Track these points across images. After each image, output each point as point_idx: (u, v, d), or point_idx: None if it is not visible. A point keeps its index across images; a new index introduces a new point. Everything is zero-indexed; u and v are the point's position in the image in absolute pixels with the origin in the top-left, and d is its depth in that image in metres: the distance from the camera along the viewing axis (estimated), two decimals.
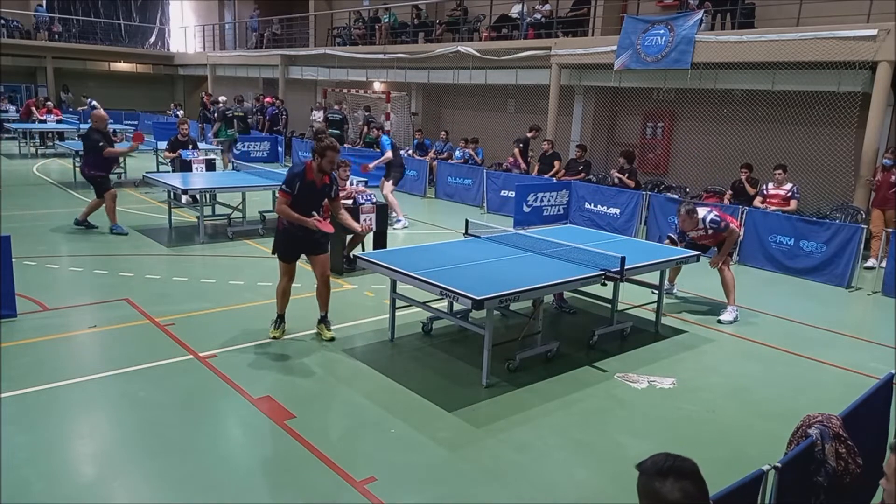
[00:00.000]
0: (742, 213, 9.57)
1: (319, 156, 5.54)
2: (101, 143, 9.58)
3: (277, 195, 5.52)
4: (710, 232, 7.13)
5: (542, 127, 14.40)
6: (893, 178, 9.60)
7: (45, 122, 19.47)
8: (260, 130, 20.60)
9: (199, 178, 10.88)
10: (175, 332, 6.00)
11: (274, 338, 5.94)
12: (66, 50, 27.11)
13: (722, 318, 7.05)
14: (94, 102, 22.62)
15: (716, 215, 7.15)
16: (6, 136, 20.50)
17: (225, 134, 17.33)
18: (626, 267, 5.56)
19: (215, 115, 17.91)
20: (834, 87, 10.52)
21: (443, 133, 17.28)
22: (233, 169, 14.23)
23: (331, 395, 5.02)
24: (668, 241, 7.69)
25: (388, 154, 11.21)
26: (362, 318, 6.62)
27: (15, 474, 3.77)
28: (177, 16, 31.10)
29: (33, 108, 20.41)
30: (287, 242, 5.80)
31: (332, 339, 5.95)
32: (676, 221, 7.51)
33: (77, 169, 14.61)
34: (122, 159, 15.28)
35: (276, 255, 5.91)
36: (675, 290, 7.90)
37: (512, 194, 12.05)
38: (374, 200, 8.61)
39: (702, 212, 7.20)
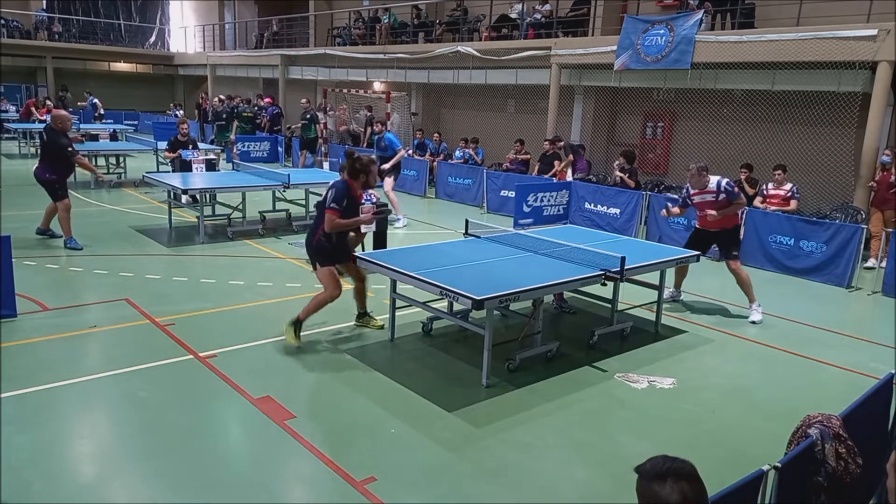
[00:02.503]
0: (742, 213, 9.56)
1: (364, 173, 5.84)
2: (70, 149, 8.80)
3: (328, 215, 5.70)
4: (721, 197, 7.09)
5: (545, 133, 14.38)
6: (893, 178, 9.60)
7: (45, 122, 19.46)
8: (261, 130, 20.65)
9: (199, 178, 10.88)
10: (175, 332, 6.00)
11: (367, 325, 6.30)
12: (66, 50, 27.10)
13: (752, 318, 7.06)
14: (94, 100, 22.63)
15: (731, 182, 7.16)
16: (6, 136, 20.51)
17: (225, 136, 17.30)
18: (626, 267, 5.56)
19: (214, 115, 17.78)
20: (834, 87, 10.51)
21: (435, 135, 17.26)
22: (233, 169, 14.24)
23: (331, 395, 5.02)
24: (664, 211, 7.69)
25: (402, 152, 11.37)
26: None
27: (15, 474, 3.77)
28: (177, 16, 31.10)
29: (33, 108, 20.42)
30: (329, 252, 5.88)
31: (382, 326, 6.27)
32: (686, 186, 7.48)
33: (75, 168, 14.64)
34: (122, 159, 15.39)
35: (318, 266, 5.88)
36: (680, 297, 7.75)
37: (512, 194, 12.06)
38: (375, 200, 8.59)
39: (716, 176, 7.19)
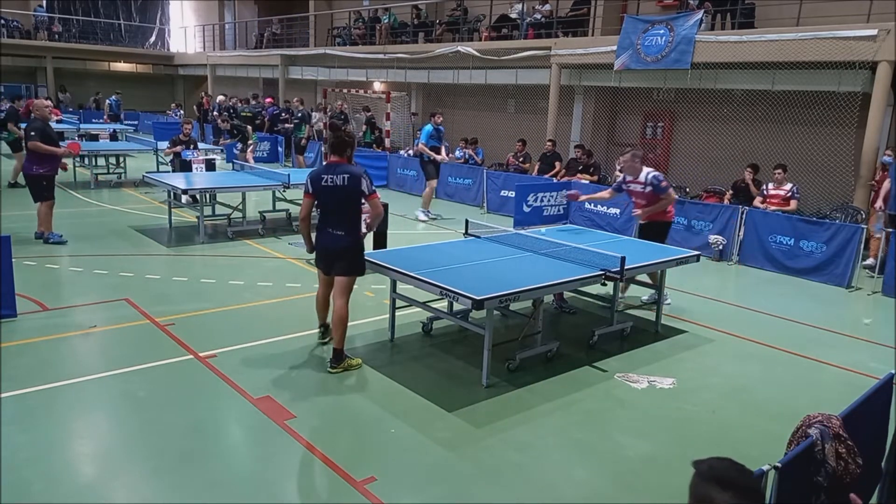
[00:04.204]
0: (742, 213, 9.57)
1: (351, 147, 5.37)
2: (32, 133, 8.40)
3: (377, 201, 5.26)
4: (647, 189, 7.19)
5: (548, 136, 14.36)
6: None
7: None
8: (260, 130, 20.64)
9: (199, 178, 10.88)
10: (175, 332, 6.00)
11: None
12: (66, 50, 27.11)
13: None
14: (119, 101, 22.65)
15: (659, 176, 7.23)
16: (6, 135, 20.47)
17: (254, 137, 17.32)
18: (626, 267, 5.56)
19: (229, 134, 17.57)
20: (834, 87, 10.51)
21: None
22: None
23: (331, 395, 5.01)
24: (570, 195, 7.82)
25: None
26: (362, 318, 6.60)
27: (15, 474, 3.77)
28: (177, 16, 31.10)
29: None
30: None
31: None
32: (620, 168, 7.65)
33: (75, 168, 14.68)
34: (122, 159, 15.38)
35: (351, 274, 5.41)
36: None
37: (512, 194, 12.06)
38: None
39: (648, 168, 7.32)
